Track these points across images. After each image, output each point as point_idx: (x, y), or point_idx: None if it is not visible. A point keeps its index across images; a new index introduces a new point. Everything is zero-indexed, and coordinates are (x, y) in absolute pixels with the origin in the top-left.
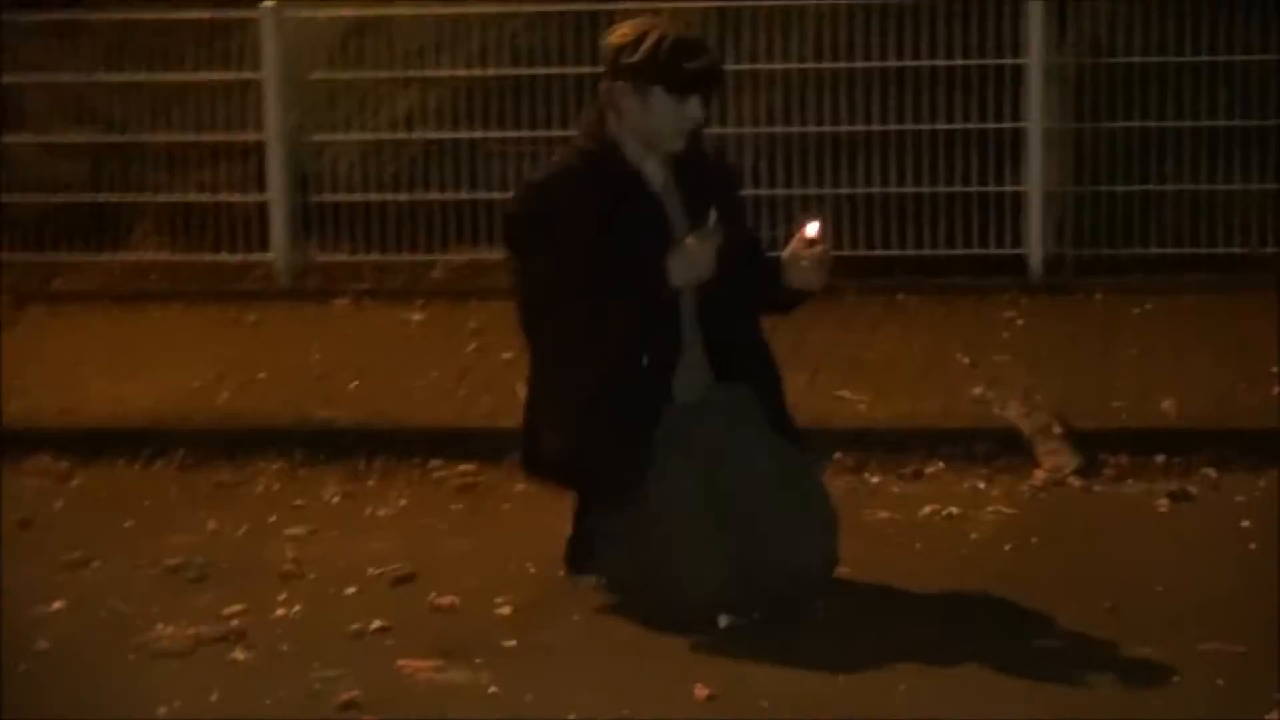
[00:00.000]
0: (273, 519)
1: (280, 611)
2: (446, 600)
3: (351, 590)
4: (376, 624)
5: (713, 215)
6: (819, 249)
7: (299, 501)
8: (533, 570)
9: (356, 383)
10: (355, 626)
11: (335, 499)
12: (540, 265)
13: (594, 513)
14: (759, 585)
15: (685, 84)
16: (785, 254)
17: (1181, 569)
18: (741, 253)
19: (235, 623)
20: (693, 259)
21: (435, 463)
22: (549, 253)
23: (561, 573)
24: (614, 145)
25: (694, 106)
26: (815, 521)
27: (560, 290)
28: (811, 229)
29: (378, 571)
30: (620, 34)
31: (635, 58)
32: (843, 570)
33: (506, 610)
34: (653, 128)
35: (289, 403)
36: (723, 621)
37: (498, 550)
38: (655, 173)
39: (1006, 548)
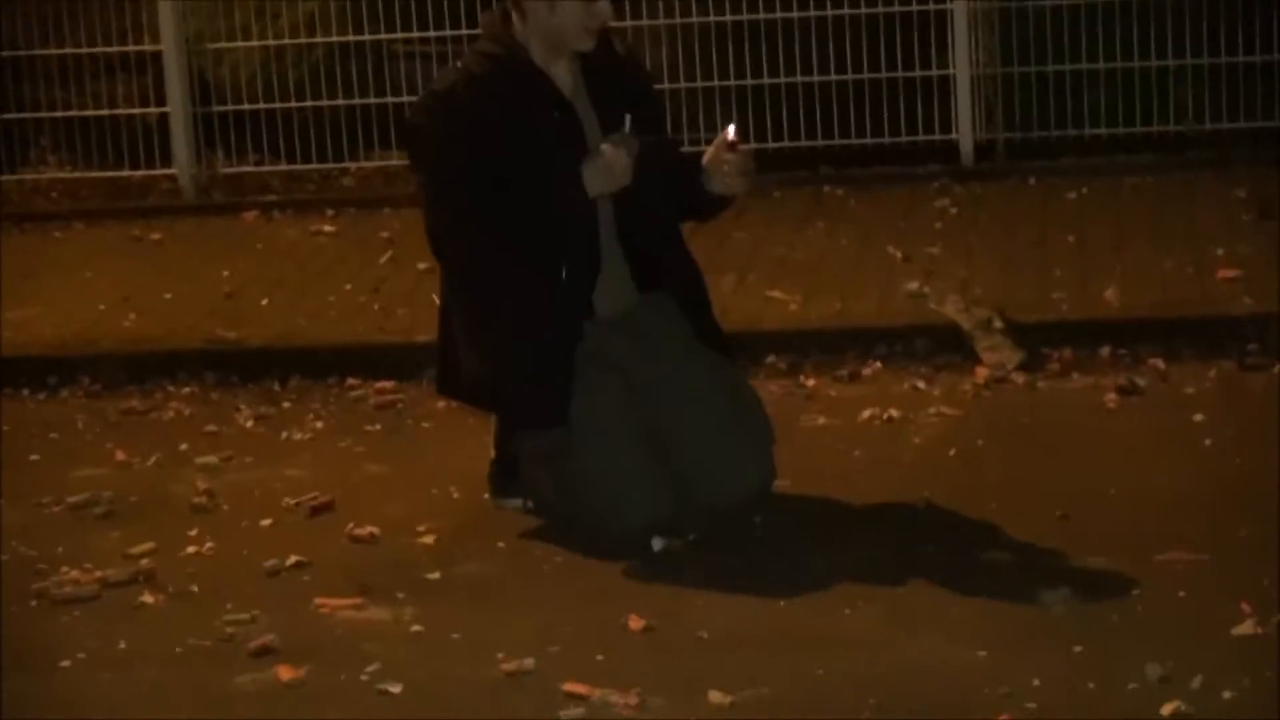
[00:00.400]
0: (184, 447)
1: (191, 549)
2: (366, 531)
3: (266, 523)
4: (293, 559)
5: (628, 120)
6: (740, 152)
7: (211, 427)
8: (456, 495)
9: (267, 300)
10: (270, 563)
11: (249, 423)
12: (447, 179)
13: (517, 435)
14: (693, 505)
15: None
16: (705, 158)
17: (1134, 471)
18: (659, 158)
19: (144, 563)
20: (608, 167)
21: (352, 381)
22: (455, 165)
23: (486, 496)
24: (520, 48)
25: (602, 3)
26: (749, 435)
27: (469, 204)
28: (730, 131)
29: (294, 501)
30: None
31: None
32: (781, 484)
33: (429, 540)
34: (560, 27)
35: (197, 324)
36: (656, 545)
37: (419, 474)
38: (564, 76)
39: (951, 452)
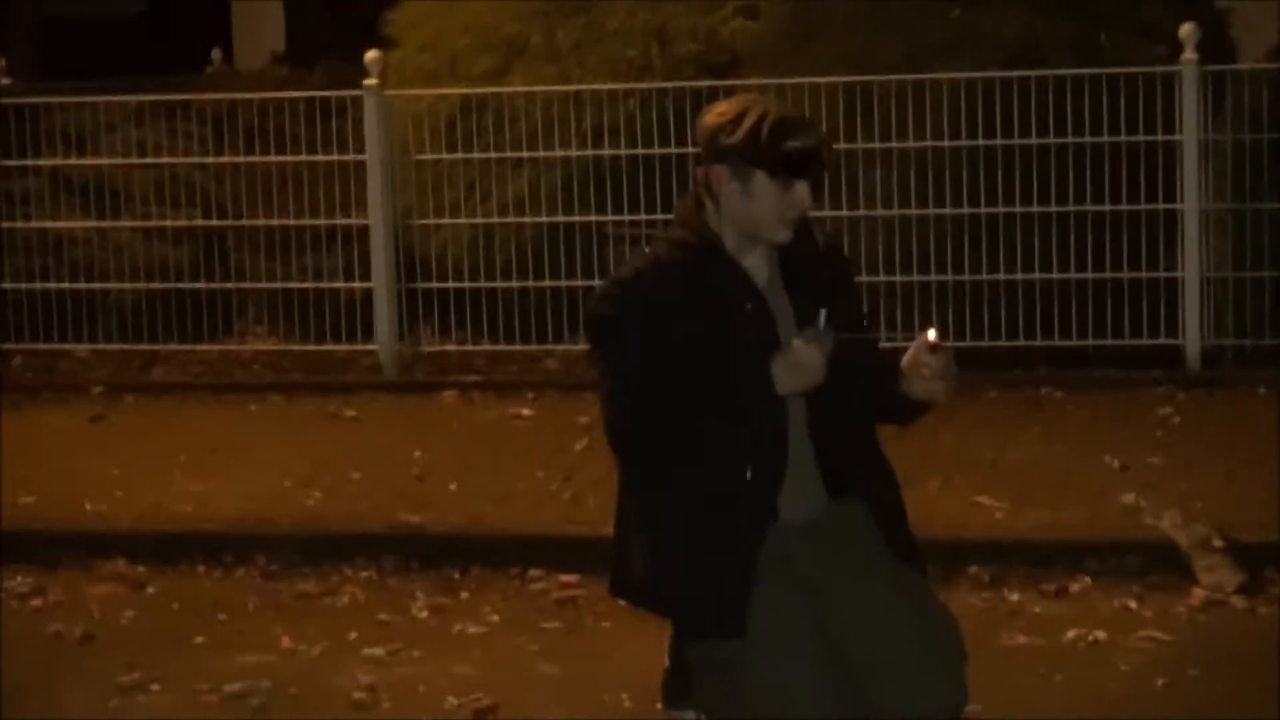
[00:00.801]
0: (353, 636)
1: None
2: None
3: None
4: None
5: (823, 315)
6: (941, 355)
7: (383, 616)
8: (627, 703)
9: (455, 484)
10: None
11: (423, 613)
12: (626, 370)
13: (690, 643)
14: None
15: (790, 167)
16: (904, 361)
17: None
18: (856, 356)
19: None
20: (801, 364)
21: (534, 573)
22: (636, 356)
23: (658, 706)
24: (712, 236)
25: (800, 192)
26: (939, 658)
27: (651, 399)
28: (931, 334)
29: (458, 702)
30: (717, 113)
31: (734, 139)
32: (973, 708)
33: None
34: (755, 216)
35: (381, 506)
36: None
37: (591, 678)
38: (758, 267)
39: (1160, 682)
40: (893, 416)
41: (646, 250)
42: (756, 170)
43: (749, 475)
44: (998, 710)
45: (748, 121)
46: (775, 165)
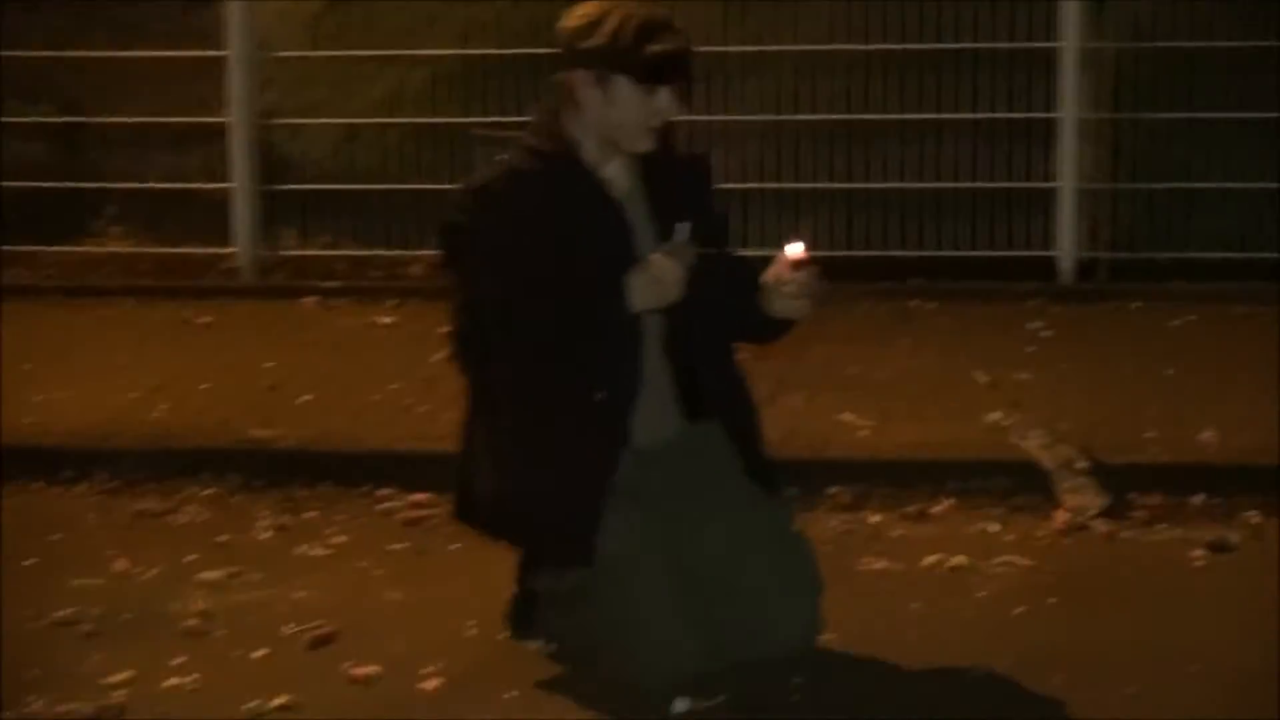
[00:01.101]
0: (191, 558)
1: (172, 680)
2: (365, 671)
3: (260, 653)
4: (278, 700)
5: (683, 227)
6: (805, 272)
7: (224, 537)
8: (473, 631)
9: (309, 396)
10: (253, 704)
11: (266, 534)
12: (479, 283)
13: (537, 571)
14: (727, 660)
15: (653, 72)
16: (767, 277)
17: (1220, 643)
18: (716, 272)
19: (116, 695)
20: (659, 278)
21: (385, 491)
22: (490, 269)
23: (503, 635)
24: (571, 144)
25: (664, 98)
26: (795, 585)
27: (502, 313)
28: (795, 249)
29: (294, 630)
30: (578, 15)
31: (594, 42)
32: (827, 637)
33: (432, 684)
34: (617, 123)
35: (229, 419)
36: (679, 706)
37: (436, 605)
38: (619, 177)
39: (1018, 610)
40: (754, 335)
41: (502, 158)
42: (618, 75)
43: (601, 395)
44: (852, 639)
45: (609, 24)
46: (638, 70)
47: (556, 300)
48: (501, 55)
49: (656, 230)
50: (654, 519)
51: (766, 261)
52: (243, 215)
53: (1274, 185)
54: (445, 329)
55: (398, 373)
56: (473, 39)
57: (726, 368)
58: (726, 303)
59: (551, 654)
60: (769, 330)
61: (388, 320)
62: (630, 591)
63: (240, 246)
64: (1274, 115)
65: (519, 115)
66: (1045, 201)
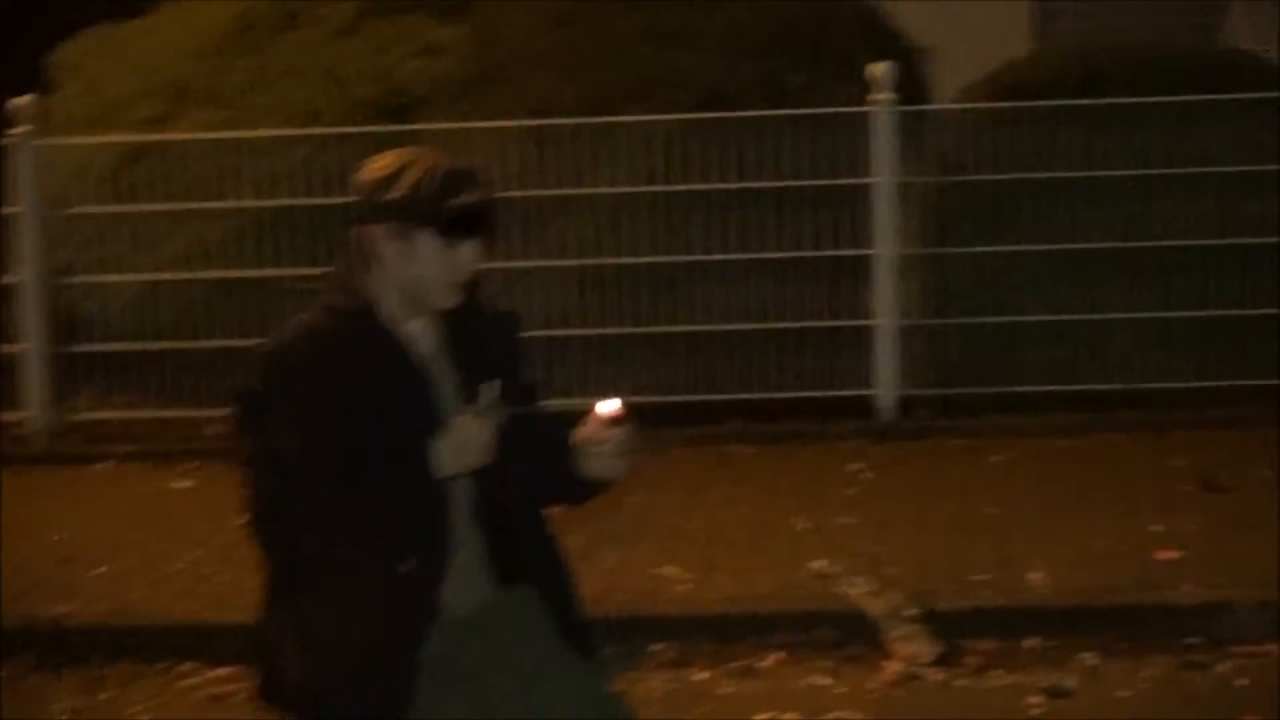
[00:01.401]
0: None
1: None
2: None
3: None
4: None
5: (491, 387)
6: (620, 430)
7: None
8: None
9: (104, 569)
10: None
11: (64, 718)
12: (275, 452)
13: None
14: None
15: (457, 225)
16: (580, 437)
17: None
18: (527, 432)
19: None
20: (466, 441)
21: (186, 666)
22: (287, 437)
23: None
24: (371, 302)
25: (469, 252)
26: None
27: (300, 482)
28: (609, 406)
29: None
30: (376, 167)
31: (395, 194)
32: None
33: None
34: (419, 280)
35: (20, 595)
36: None
37: None
38: (421, 335)
39: None
40: (565, 497)
41: (299, 319)
42: (420, 230)
43: (408, 567)
44: None
45: (410, 176)
46: (441, 224)
47: (359, 468)
48: (305, 206)
49: (463, 390)
50: (468, 692)
51: (578, 411)
52: (35, 378)
53: (1092, 317)
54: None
55: (197, 540)
56: (277, 189)
57: (538, 530)
58: (538, 465)
59: None
60: (582, 491)
61: (186, 484)
62: None
63: (32, 411)
64: (1091, 246)
65: (324, 267)
66: (863, 339)
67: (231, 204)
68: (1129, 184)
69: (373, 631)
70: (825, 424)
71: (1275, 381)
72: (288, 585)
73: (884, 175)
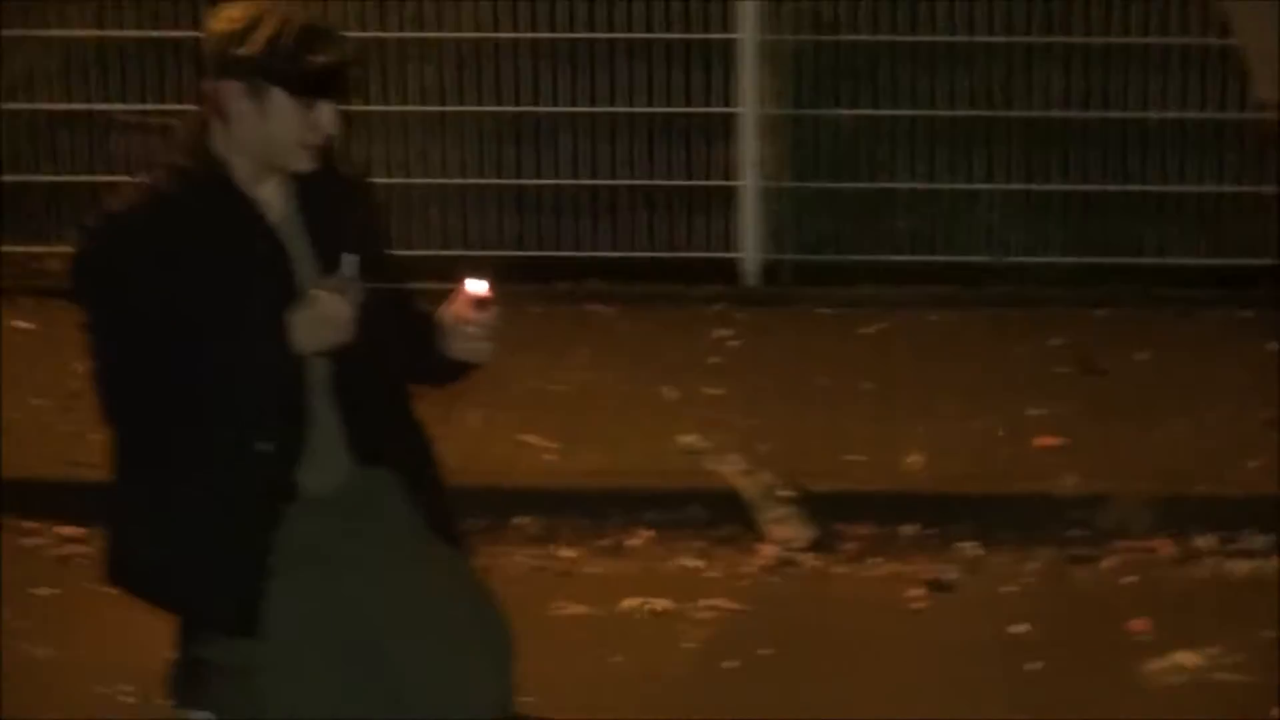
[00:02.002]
0: None
1: None
2: None
3: None
4: None
5: (349, 260)
6: (488, 312)
7: None
8: (129, 699)
9: None
10: None
11: None
12: (118, 325)
13: (199, 642)
14: None
15: (313, 84)
16: (445, 316)
17: (946, 702)
18: (386, 308)
19: None
20: (323, 316)
21: (29, 524)
22: (129, 309)
23: (166, 702)
24: (220, 164)
25: (325, 113)
26: (482, 651)
27: (145, 358)
28: (477, 285)
29: None
30: (228, 19)
31: (247, 50)
32: (523, 700)
33: None
34: (271, 141)
35: None
36: None
37: (89, 665)
38: (275, 200)
39: (729, 664)
40: (430, 377)
41: (141, 180)
42: (274, 87)
43: (262, 448)
44: (550, 702)
45: (264, 30)
46: (296, 82)
47: (209, 342)
48: (142, 39)
49: (319, 262)
50: (325, 578)
51: (442, 290)
52: None
53: (962, 186)
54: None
55: (38, 387)
56: (110, 21)
57: (399, 410)
58: (399, 343)
59: None
60: (447, 372)
61: (24, 325)
62: (300, 662)
63: None
64: (958, 113)
65: (159, 103)
66: (727, 201)
67: (62, 33)
68: (1002, 50)
69: (226, 512)
70: (689, 287)
71: (1148, 260)
72: (135, 462)
73: (749, 33)
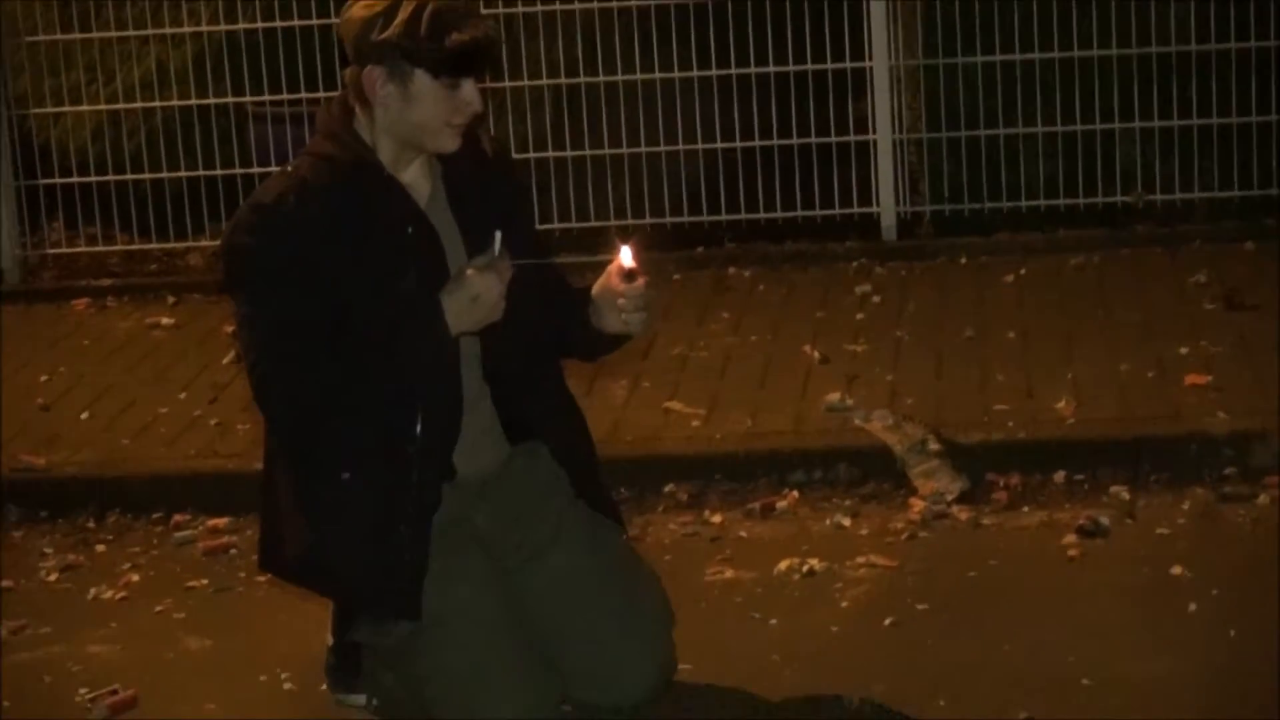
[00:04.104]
0: None
1: None
2: None
3: None
4: None
5: (498, 238)
6: (638, 283)
7: (7, 582)
8: (289, 686)
9: (87, 413)
10: None
11: (53, 575)
12: (272, 312)
13: (359, 626)
14: (574, 710)
15: (455, 64)
16: (596, 289)
17: (1108, 649)
18: (536, 285)
19: None
20: (476, 296)
21: (180, 518)
22: (282, 295)
23: (324, 688)
24: (365, 148)
25: (468, 92)
26: (641, 622)
27: (300, 343)
28: (625, 256)
29: (91, 694)
30: (366, 4)
31: (388, 34)
32: (683, 668)
33: None
34: (417, 123)
35: (4, 444)
36: None
37: (245, 654)
38: (421, 183)
39: (887, 622)
40: (581, 352)
41: (289, 168)
42: (416, 69)
43: (419, 430)
44: (710, 669)
45: (404, 13)
46: (438, 63)
47: (364, 327)
48: (271, 29)
49: (467, 242)
50: (483, 557)
51: (589, 263)
52: (2, 214)
53: (1098, 127)
54: (230, 326)
55: (182, 381)
56: (238, 12)
57: (552, 388)
58: (548, 318)
59: (378, 710)
60: (600, 346)
61: (166, 320)
62: (461, 640)
63: (2, 248)
64: (1090, 54)
65: (291, 92)
66: (862, 156)
67: (192, 28)
68: None
69: (382, 499)
70: (826, 245)
71: None
72: (292, 450)
73: None
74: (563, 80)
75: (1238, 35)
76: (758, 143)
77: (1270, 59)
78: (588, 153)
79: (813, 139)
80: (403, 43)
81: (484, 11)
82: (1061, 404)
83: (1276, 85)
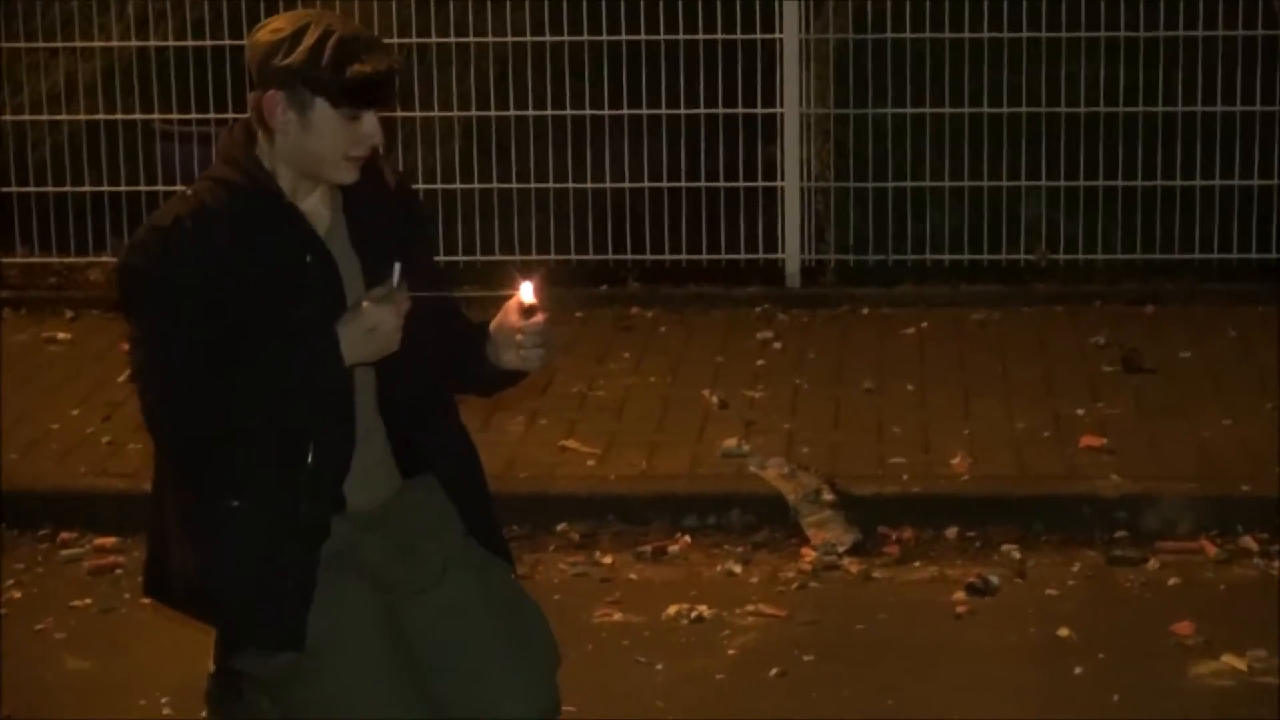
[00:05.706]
0: None
1: None
2: None
3: None
4: None
5: (397, 269)
6: (537, 319)
7: None
8: (168, 711)
9: None
10: None
11: None
12: (165, 337)
13: (238, 652)
14: None
15: (356, 95)
16: (494, 324)
17: (992, 709)
18: (432, 317)
19: None
20: (372, 327)
21: (67, 535)
22: (176, 319)
23: (203, 714)
24: (265, 174)
25: (369, 124)
26: (525, 661)
27: (192, 368)
28: (526, 292)
29: None
30: (272, 29)
31: (291, 59)
32: (566, 709)
33: None
34: (316, 152)
35: None
36: None
37: (126, 677)
38: (320, 211)
39: (773, 672)
40: (478, 387)
41: (189, 191)
42: (317, 98)
43: (310, 459)
44: (593, 711)
45: (308, 40)
46: (339, 92)
47: (256, 355)
48: (182, 48)
49: (365, 273)
50: (369, 589)
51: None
52: None
53: (1003, 184)
54: (128, 345)
55: (76, 397)
56: (149, 29)
57: (446, 422)
58: (445, 352)
59: None
60: (497, 382)
61: (64, 335)
62: (341, 671)
63: None
64: (1000, 110)
65: (200, 111)
66: (768, 202)
67: (102, 43)
68: (1043, 46)
69: (270, 528)
70: (730, 289)
71: (1190, 256)
72: (180, 474)
73: (792, 31)
74: (473, 112)
75: (1145, 99)
76: (666, 184)
77: (1176, 124)
78: (495, 186)
79: (721, 183)
80: (305, 69)
81: (396, 39)
82: (957, 460)
83: (1182, 150)
